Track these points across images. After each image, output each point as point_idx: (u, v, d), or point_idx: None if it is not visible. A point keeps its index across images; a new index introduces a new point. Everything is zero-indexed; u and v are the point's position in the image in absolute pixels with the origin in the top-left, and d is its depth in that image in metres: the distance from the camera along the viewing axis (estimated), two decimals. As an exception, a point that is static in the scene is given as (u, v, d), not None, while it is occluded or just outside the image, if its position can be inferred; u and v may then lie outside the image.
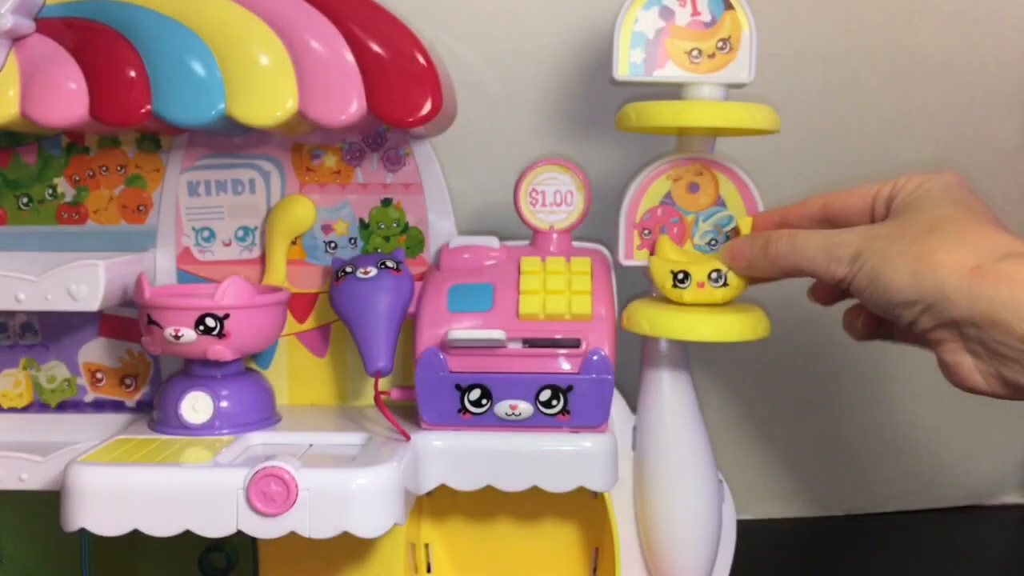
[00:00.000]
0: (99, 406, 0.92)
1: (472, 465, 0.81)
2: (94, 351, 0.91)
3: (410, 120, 0.81)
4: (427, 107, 0.81)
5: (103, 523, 0.72)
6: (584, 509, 0.91)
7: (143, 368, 0.91)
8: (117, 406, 0.92)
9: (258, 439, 0.81)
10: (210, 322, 0.79)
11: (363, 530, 0.72)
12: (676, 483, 0.87)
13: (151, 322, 0.80)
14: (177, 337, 0.79)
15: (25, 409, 0.92)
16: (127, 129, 0.86)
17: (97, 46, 0.81)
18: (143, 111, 0.80)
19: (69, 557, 0.91)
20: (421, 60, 0.81)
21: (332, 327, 0.91)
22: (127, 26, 0.82)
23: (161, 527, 0.72)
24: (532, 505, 0.91)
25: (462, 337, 0.79)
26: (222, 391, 0.82)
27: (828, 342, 1.16)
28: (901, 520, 1.21)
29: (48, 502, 0.88)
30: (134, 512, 0.72)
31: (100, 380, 0.92)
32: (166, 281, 0.90)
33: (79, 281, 0.80)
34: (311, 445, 0.81)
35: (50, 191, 0.90)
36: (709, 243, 0.87)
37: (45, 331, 0.91)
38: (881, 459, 1.21)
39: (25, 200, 0.91)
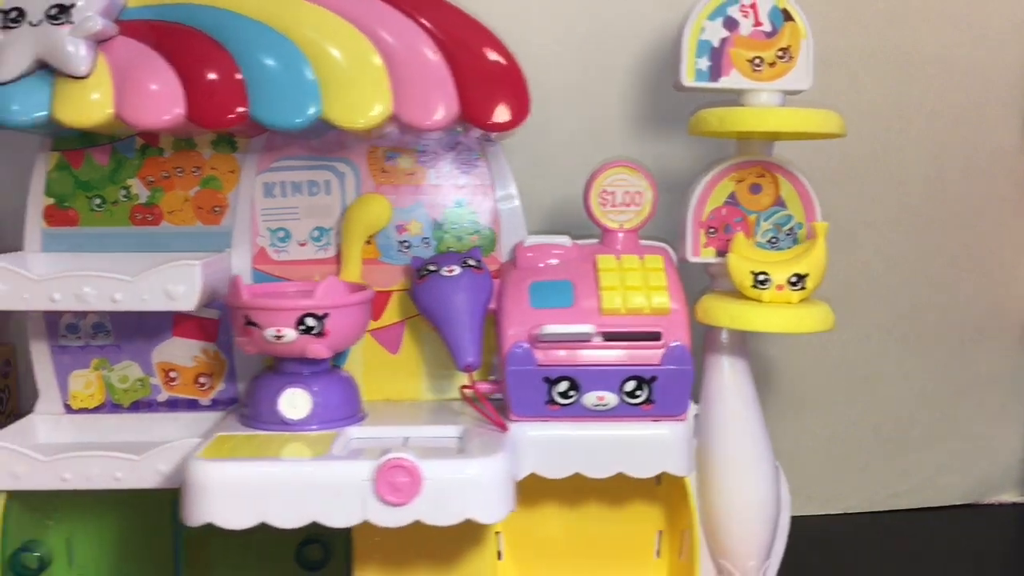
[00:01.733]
0: (172, 405, 0.93)
1: (561, 454, 0.85)
2: (168, 351, 0.92)
3: (500, 124, 0.84)
4: (517, 112, 0.84)
5: (229, 517, 0.74)
6: (646, 494, 0.95)
7: (217, 367, 0.93)
8: (191, 405, 0.93)
9: (355, 433, 0.84)
10: (310, 321, 0.81)
11: (485, 516, 0.75)
12: (739, 467, 0.92)
13: (249, 323, 0.82)
14: (279, 337, 0.81)
15: (96, 409, 0.92)
16: (220, 131, 0.87)
17: (189, 49, 0.82)
18: (240, 114, 0.82)
19: (142, 556, 0.92)
20: (510, 66, 0.84)
21: (405, 324, 0.93)
22: (216, 29, 0.83)
23: (288, 519, 0.74)
24: (593, 492, 0.95)
25: (555, 331, 0.83)
26: (317, 388, 0.84)
27: (826, 341, 1.18)
28: (899, 518, 1.22)
29: (114, 503, 0.90)
30: (261, 505, 0.74)
31: (174, 379, 0.93)
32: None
33: (177, 281, 0.82)
34: (407, 438, 0.83)
35: (124, 192, 0.91)
36: (770, 241, 0.92)
37: (117, 331, 0.92)
38: (879, 458, 1.22)
39: (98, 201, 0.91)
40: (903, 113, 1.18)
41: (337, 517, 0.74)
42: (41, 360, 0.92)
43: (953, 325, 1.22)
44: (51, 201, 0.91)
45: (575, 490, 0.91)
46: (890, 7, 1.14)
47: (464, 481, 0.75)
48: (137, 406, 0.93)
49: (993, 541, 1.18)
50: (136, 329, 0.92)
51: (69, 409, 0.92)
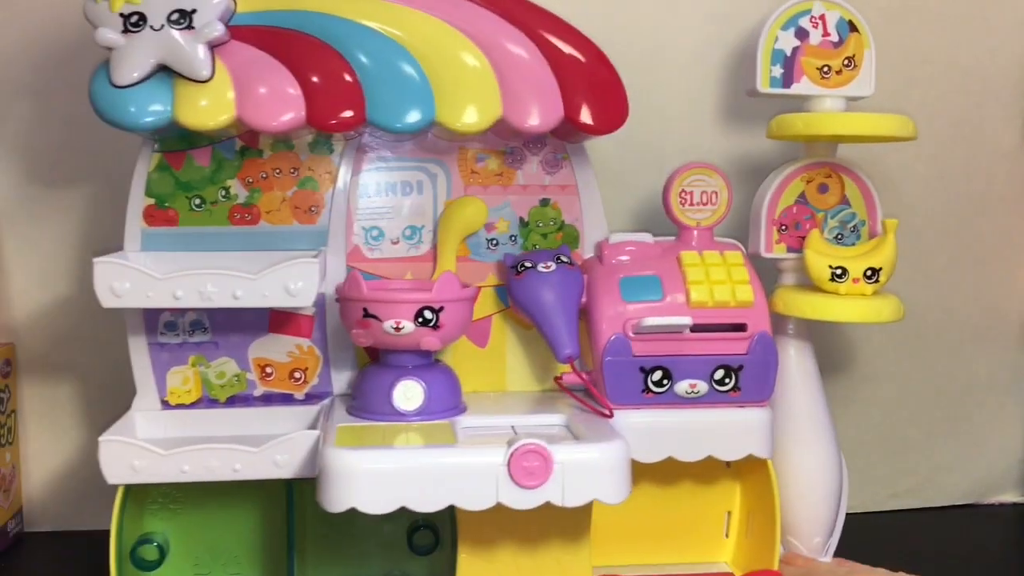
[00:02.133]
0: (268, 400, 0.95)
1: (656, 439, 0.90)
2: (264, 347, 0.95)
3: (604, 128, 0.89)
4: (616, 115, 0.89)
5: (372, 502, 0.77)
6: (716, 476, 1.00)
7: (312, 362, 0.95)
8: (285, 399, 0.95)
9: (466, 423, 0.87)
10: (428, 314, 0.85)
11: (609, 497, 0.80)
12: (808, 448, 0.99)
13: (368, 315, 0.85)
14: (398, 329, 0.85)
15: (193, 405, 0.94)
16: (332, 133, 0.90)
17: (304, 53, 0.85)
18: (358, 117, 0.85)
19: (248, 547, 0.94)
20: (609, 70, 0.89)
21: (493, 319, 0.97)
22: (325, 33, 0.86)
23: (427, 503, 0.77)
24: (663, 474, 0.99)
25: (656, 323, 0.88)
26: (428, 380, 0.87)
27: (827, 342, 1.19)
28: (899, 518, 1.22)
29: (208, 498, 0.93)
30: (401, 490, 0.77)
31: (269, 374, 0.95)
32: (336, 278, 0.94)
33: (297, 278, 0.84)
34: (514, 427, 0.87)
35: (223, 192, 0.93)
36: (836, 237, 0.99)
37: (215, 328, 0.94)
38: (880, 458, 1.23)
39: (197, 201, 0.93)
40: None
41: (473, 500, 0.78)
42: (139, 357, 0.93)
43: (953, 325, 1.23)
44: (151, 201, 0.92)
45: (645, 472, 0.95)
46: (890, 7, 1.16)
47: (591, 464, 0.80)
48: (233, 401, 0.95)
49: (993, 541, 1.18)
50: (233, 326, 0.94)
51: (166, 405, 0.94)
